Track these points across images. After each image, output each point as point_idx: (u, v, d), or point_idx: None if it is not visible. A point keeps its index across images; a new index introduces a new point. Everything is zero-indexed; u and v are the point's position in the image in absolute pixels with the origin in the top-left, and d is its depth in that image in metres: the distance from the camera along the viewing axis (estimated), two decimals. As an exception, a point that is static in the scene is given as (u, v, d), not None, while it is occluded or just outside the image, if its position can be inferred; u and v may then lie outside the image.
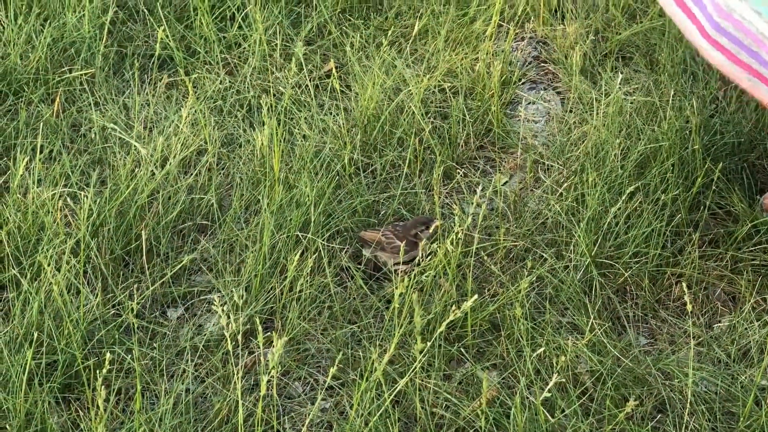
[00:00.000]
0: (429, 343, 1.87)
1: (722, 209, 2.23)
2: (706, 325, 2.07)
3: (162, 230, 2.18)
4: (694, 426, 1.85)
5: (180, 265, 2.11)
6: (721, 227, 2.18)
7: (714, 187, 2.21)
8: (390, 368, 1.92)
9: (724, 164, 2.23)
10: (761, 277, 2.10)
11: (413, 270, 2.05)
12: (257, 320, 1.76)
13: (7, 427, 1.79)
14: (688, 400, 1.86)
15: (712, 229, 2.18)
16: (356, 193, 2.27)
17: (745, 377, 1.93)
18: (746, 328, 2.02)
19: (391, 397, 1.82)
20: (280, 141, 2.31)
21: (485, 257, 2.11)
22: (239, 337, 1.93)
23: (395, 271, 2.09)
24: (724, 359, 1.98)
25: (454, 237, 2.00)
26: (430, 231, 2.09)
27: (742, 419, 1.84)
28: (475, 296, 1.80)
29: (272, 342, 1.68)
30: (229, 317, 1.95)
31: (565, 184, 2.27)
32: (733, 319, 2.05)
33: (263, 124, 2.32)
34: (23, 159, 2.15)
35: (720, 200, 2.23)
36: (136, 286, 2.07)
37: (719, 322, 2.07)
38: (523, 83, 2.65)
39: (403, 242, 2.05)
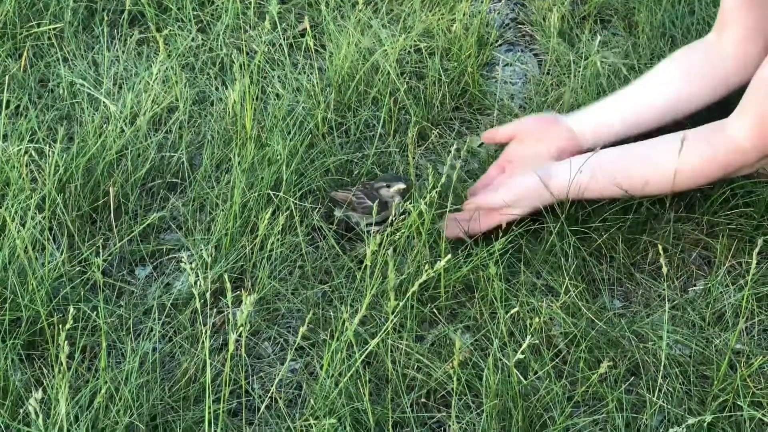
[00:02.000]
0: (401, 303, 1.84)
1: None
2: (681, 288, 2.05)
3: (131, 187, 2.14)
4: (668, 389, 1.83)
5: (148, 223, 2.08)
6: (697, 190, 2.16)
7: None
8: (361, 329, 1.90)
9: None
10: (737, 241, 2.08)
11: (385, 230, 2.02)
12: (226, 279, 1.72)
13: (-31, 384, 1.76)
14: (662, 363, 1.84)
15: (688, 192, 2.15)
16: (329, 153, 2.23)
17: (720, 341, 1.92)
18: (721, 292, 2.00)
19: (362, 358, 1.80)
20: (253, 99, 2.27)
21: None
22: (208, 296, 1.90)
23: (367, 231, 2.06)
24: (698, 323, 1.96)
25: (428, 197, 1.97)
26: (391, 191, 2.06)
27: (716, 383, 1.82)
28: (449, 256, 1.78)
29: (242, 301, 1.64)
30: (198, 275, 1.92)
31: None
32: (708, 282, 2.03)
33: (235, 82, 2.28)
34: (-12, 113, 2.11)
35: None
36: (103, 243, 2.04)
37: (694, 285, 2.05)
38: (500, 45, 2.61)
39: (375, 202, 2.01)
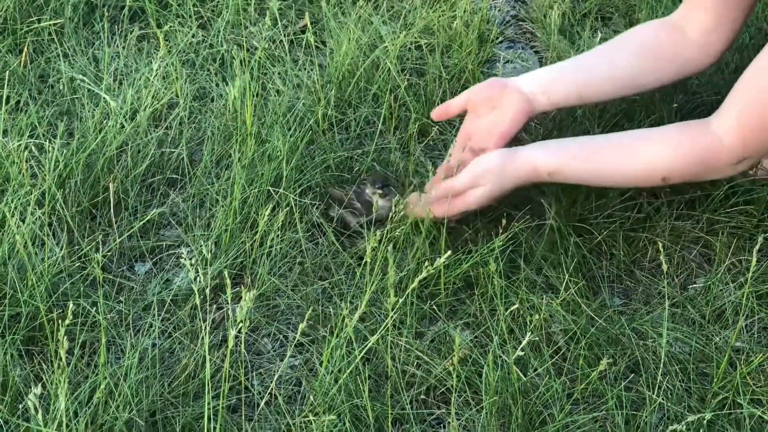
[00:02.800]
0: (401, 300, 1.84)
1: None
2: (681, 286, 2.05)
3: (131, 183, 2.14)
4: (668, 386, 1.83)
5: (148, 219, 2.07)
6: (698, 188, 2.16)
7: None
8: (361, 325, 1.90)
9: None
10: (737, 239, 2.08)
11: (385, 227, 2.02)
12: (226, 275, 1.72)
13: (-31, 379, 1.76)
14: (662, 361, 1.84)
15: (688, 190, 2.15)
16: (329, 149, 2.23)
17: (720, 338, 1.92)
18: (721, 290, 2.00)
19: (362, 355, 1.79)
20: (253, 95, 2.27)
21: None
22: (208, 292, 1.90)
23: (360, 229, 2.06)
24: (698, 320, 1.96)
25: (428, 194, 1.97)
26: (367, 191, 2.05)
27: (715, 380, 1.82)
28: (449, 252, 1.77)
29: (241, 297, 1.64)
30: (197, 272, 1.92)
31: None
32: (708, 280, 2.03)
33: (236, 78, 2.27)
34: (-12, 108, 2.10)
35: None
36: (102, 239, 2.04)
37: (694, 283, 2.05)
38: (500, 42, 2.61)
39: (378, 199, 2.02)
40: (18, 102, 2.31)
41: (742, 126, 1.92)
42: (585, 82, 2.10)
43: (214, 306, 1.96)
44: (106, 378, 1.74)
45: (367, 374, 1.80)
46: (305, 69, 2.44)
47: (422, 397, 1.84)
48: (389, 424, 1.77)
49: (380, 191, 2.05)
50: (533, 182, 2.01)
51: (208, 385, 1.68)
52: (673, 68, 2.13)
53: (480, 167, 1.99)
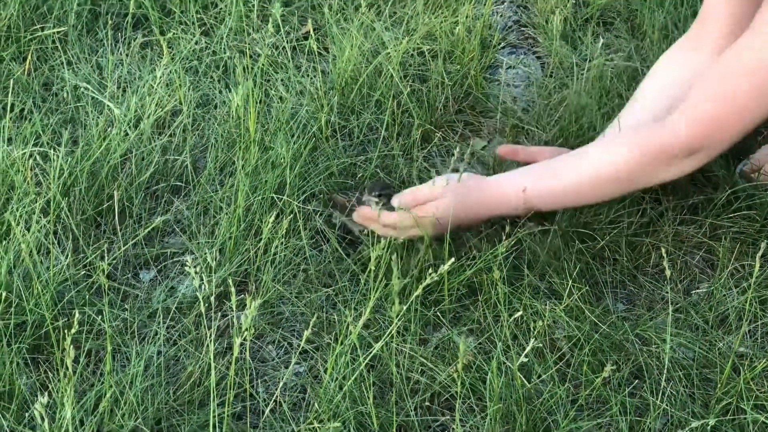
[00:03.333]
0: (405, 307, 1.84)
1: (702, 175, 2.21)
2: (685, 291, 2.05)
3: (135, 191, 2.15)
4: (671, 392, 1.84)
5: (153, 226, 2.08)
6: (701, 194, 2.16)
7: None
8: (365, 332, 1.90)
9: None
10: (740, 244, 2.08)
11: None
12: (231, 282, 1.73)
13: (-25, 388, 1.76)
14: (666, 366, 1.84)
15: (691, 195, 2.16)
16: (332, 156, 2.24)
17: (723, 344, 1.92)
18: (724, 295, 2.00)
19: (366, 361, 1.80)
20: (256, 102, 2.27)
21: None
22: (212, 300, 1.90)
23: (362, 236, 2.06)
24: (702, 325, 1.96)
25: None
26: (364, 198, 2.05)
27: (719, 386, 1.83)
28: (452, 259, 1.78)
29: (246, 305, 1.64)
30: (202, 279, 1.92)
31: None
32: (711, 285, 2.03)
33: (239, 85, 2.28)
34: (-7, 117, 2.11)
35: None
36: (107, 247, 2.04)
37: (697, 288, 2.06)
38: (503, 47, 2.62)
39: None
40: (22, 110, 2.32)
41: (696, 115, 1.92)
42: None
43: (219, 313, 1.96)
44: (111, 386, 1.74)
45: (371, 381, 1.80)
46: (308, 75, 2.44)
47: (426, 403, 1.84)
48: (394, 430, 1.78)
49: (376, 199, 2.05)
50: (504, 212, 2.04)
51: (213, 392, 1.68)
52: None
53: (445, 177, 2.03)
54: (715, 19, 2.12)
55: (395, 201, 2.03)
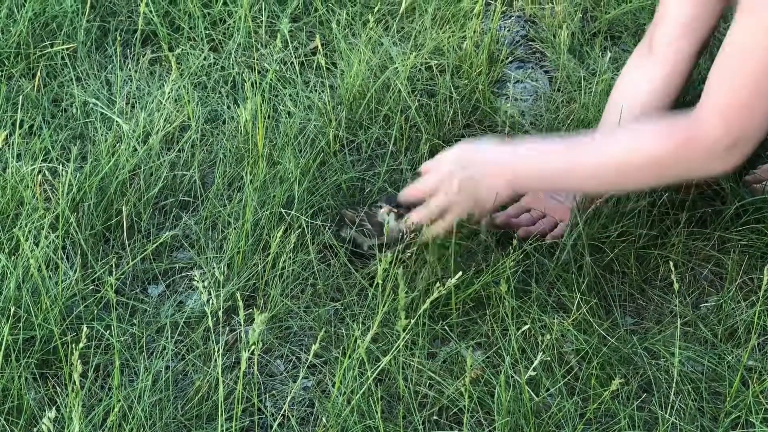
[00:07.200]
0: (413, 321, 1.84)
1: (710, 188, 2.21)
2: (693, 304, 2.05)
3: (143, 206, 2.15)
4: (680, 405, 1.83)
5: (161, 241, 2.09)
6: (709, 207, 2.16)
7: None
8: (373, 346, 1.90)
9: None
10: (748, 257, 2.08)
11: (396, 248, 2.02)
12: (239, 297, 1.73)
13: (-16, 403, 1.77)
14: (674, 380, 1.84)
15: (699, 208, 2.16)
16: (341, 170, 2.24)
17: (732, 357, 1.92)
18: (733, 308, 2.00)
19: (374, 376, 1.80)
20: (265, 117, 2.28)
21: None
22: (220, 314, 1.91)
23: (371, 252, 2.06)
24: (710, 339, 1.96)
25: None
26: (381, 212, 2.04)
27: (728, 399, 1.82)
28: (460, 273, 1.78)
29: (254, 319, 1.65)
30: (210, 294, 1.93)
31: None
32: (720, 298, 2.03)
33: (247, 101, 2.29)
34: (3, 133, 2.12)
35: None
36: (116, 262, 2.05)
37: (706, 301, 2.05)
38: (510, 62, 2.62)
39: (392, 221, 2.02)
40: (32, 126, 2.33)
41: (724, 106, 1.83)
42: None
43: (227, 328, 1.97)
44: (120, 401, 1.75)
45: (379, 395, 1.80)
46: (316, 90, 2.45)
47: (435, 417, 1.84)
48: (402, 445, 1.78)
49: (395, 209, 2.04)
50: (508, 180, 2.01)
51: (221, 407, 1.69)
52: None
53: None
54: (666, 21, 2.11)
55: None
